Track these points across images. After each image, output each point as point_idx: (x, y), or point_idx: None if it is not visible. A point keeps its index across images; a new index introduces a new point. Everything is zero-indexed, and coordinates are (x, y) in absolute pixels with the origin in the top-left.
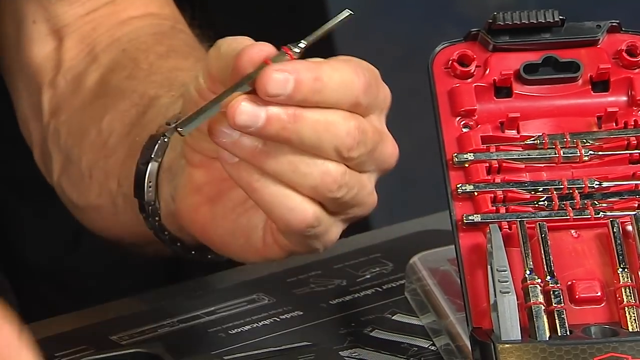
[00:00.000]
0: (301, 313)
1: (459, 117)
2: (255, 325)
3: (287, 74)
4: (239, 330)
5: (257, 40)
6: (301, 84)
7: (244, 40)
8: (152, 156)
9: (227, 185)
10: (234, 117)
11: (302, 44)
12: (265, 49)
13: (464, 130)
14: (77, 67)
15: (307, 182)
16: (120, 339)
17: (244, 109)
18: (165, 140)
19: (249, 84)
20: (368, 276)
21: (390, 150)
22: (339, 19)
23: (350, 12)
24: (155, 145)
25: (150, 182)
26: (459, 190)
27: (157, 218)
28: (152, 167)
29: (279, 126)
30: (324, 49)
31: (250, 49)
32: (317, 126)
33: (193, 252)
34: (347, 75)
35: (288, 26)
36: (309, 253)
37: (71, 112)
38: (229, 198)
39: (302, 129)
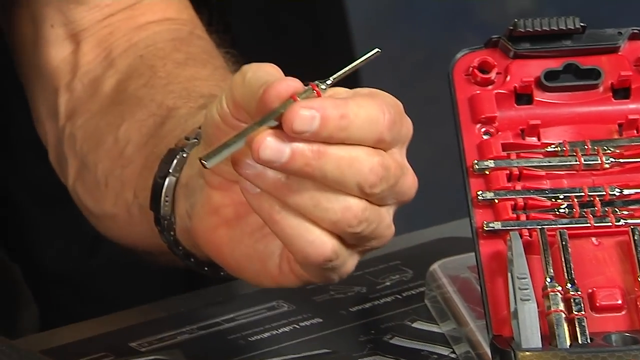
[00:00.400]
0: (321, 320)
1: (480, 124)
2: (274, 333)
3: (314, 111)
4: (259, 337)
5: (274, 46)
6: (327, 121)
7: (270, 70)
8: (170, 171)
9: (246, 209)
10: (259, 152)
11: (330, 81)
12: (293, 84)
13: (485, 137)
14: (94, 71)
15: (328, 216)
16: (140, 345)
17: (269, 144)
18: (184, 156)
19: (275, 118)
20: (388, 283)
21: (410, 183)
22: (368, 56)
23: (379, 50)
24: (173, 160)
25: (167, 196)
26: (479, 197)
27: (172, 233)
28: (169, 181)
29: (303, 162)
30: (343, 58)
31: (278, 84)
32: (341, 162)
33: (206, 268)
34: (373, 112)
35: (304, 28)
36: (324, 283)
37: (87, 117)
38: (247, 222)
39: (325, 165)
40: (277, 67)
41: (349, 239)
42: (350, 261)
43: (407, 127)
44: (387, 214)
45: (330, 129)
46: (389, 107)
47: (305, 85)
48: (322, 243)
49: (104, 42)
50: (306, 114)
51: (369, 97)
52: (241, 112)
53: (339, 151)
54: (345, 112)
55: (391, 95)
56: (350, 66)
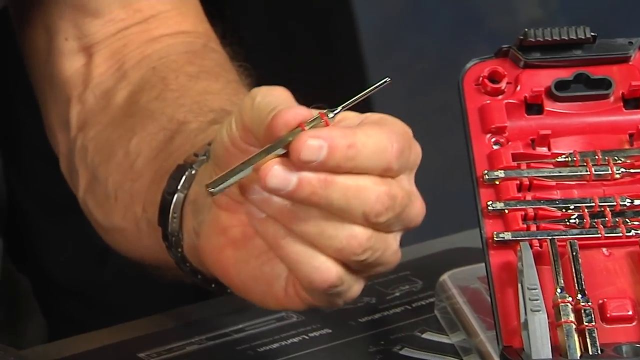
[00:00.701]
0: (330, 331)
1: (490, 134)
2: (283, 343)
3: (322, 140)
4: (268, 348)
5: (284, 57)
6: (335, 151)
7: (279, 94)
8: (178, 187)
9: (253, 230)
10: (266, 180)
11: (338, 110)
12: (301, 112)
13: (495, 147)
14: (106, 83)
15: (333, 244)
16: (149, 356)
17: (276, 173)
18: (193, 172)
19: (283, 146)
20: (397, 294)
21: (417, 210)
22: (377, 85)
23: (389, 78)
24: (182, 177)
25: (174, 213)
26: (489, 207)
27: (179, 249)
28: (177, 198)
29: (310, 191)
30: (354, 69)
31: (286, 112)
32: (348, 192)
33: (213, 285)
34: (381, 142)
35: (314, 39)
36: (329, 308)
37: (99, 129)
38: (254, 244)
39: (332, 194)
40: (287, 91)
41: (354, 266)
42: (355, 286)
43: (415, 154)
44: (393, 241)
45: (337, 159)
46: (398, 135)
47: (316, 107)
48: (326, 269)
49: (117, 54)
50: (314, 143)
51: (377, 126)
52: (250, 136)
53: (346, 180)
54: (353, 141)
55: (401, 122)
56: (359, 95)
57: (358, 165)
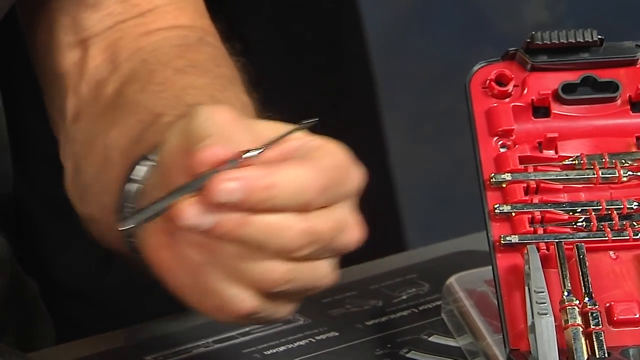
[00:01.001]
0: (337, 334)
1: (497, 137)
2: (290, 346)
3: (237, 182)
4: (274, 351)
5: (291, 59)
6: (252, 193)
7: (220, 119)
8: (134, 178)
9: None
10: (180, 220)
11: (259, 150)
12: (221, 152)
13: (502, 150)
14: (100, 74)
15: (249, 278)
16: (155, 359)
17: (190, 213)
18: (150, 164)
19: (200, 185)
20: (404, 297)
21: (350, 237)
22: (304, 125)
23: (317, 119)
24: (139, 167)
25: (129, 203)
26: (496, 210)
27: (131, 239)
28: (132, 188)
29: (225, 230)
30: (360, 70)
31: (204, 151)
32: (266, 230)
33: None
34: (302, 181)
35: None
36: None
37: (88, 121)
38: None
39: (249, 232)
40: (230, 113)
41: (275, 295)
42: (283, 309)
43: (352, 182)
44: (322, 266)
45: (254, 200)
46: (324, 171)
47: (306, 124)
48: (241, 300)
49: (112, 47)
50: (229, 186)
51: (301, 163)
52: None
53: (264, 219)
54: (271, 182)
55: (335, 153)
56: (283, 133)
57: (277, 204)
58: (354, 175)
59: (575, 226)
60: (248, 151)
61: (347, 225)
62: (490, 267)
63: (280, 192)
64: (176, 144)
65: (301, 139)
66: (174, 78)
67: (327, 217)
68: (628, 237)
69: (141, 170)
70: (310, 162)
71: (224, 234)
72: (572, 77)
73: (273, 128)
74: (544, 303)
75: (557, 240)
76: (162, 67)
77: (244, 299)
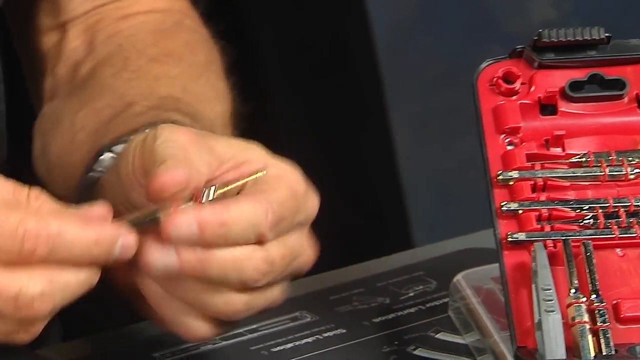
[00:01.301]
0: (344, 331)
1: (504, 135)
2: (297, 344)
3: (191, 220)
4: (282, 348)
5: (298, 58)
6: (205, 230)
7: (180, 140)
8: (93, 168)
9: None
10: (144, 263)
11: (214, 191)
12: (179, 176)
13: (509, 147)
14: (76, 56)
15: (208, 310)
16: (163, 356)
17: (154, 256)
18: (112, 156)
19: (156, 217)
20: (411, 294)
21: (304, 261)
22: (255, 175)
23: (265, 171)
24: (101, 157)
25: (88, 191)
26: (503, 208)
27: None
28: (92, 177)
29: (188, 269)
30: (367, 69)
31: (162, 175)
32: (224, 265)
33: None
34: (254, 216)
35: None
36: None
37: (59, 99)
38: None
39: (208, 268)
40: (191, 134)
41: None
42: (233, 325)
43: (305, 212)
44: (277, 289)
45: (209, 237)
46: (277, 205)
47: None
48: (198, 327)
49: (90, 29)
50: (183, 222)
51: (254, 198)
52: (143, 175)
53: (221, 253)
54: (223, 219)
55: (291, 183)
56: (237, 183)
57: (231, 240)
58: (309, 204)
59: (582, 224)
60: (204, 191)
61: (301, 252)
62: (498, 264)
63: (233, 228)
64: (136, 163)
65: (259, 165)
66: (148, 67)
67: (281, 244)
68: (635, 235)
69: (104, 162)
70: (263, 196)
71: (185, 270)
72: (579, 74)
73: (232, 149)
74: (551, 300)
75: (564, 238)
76: (137, 55)
77: (205, 329)
